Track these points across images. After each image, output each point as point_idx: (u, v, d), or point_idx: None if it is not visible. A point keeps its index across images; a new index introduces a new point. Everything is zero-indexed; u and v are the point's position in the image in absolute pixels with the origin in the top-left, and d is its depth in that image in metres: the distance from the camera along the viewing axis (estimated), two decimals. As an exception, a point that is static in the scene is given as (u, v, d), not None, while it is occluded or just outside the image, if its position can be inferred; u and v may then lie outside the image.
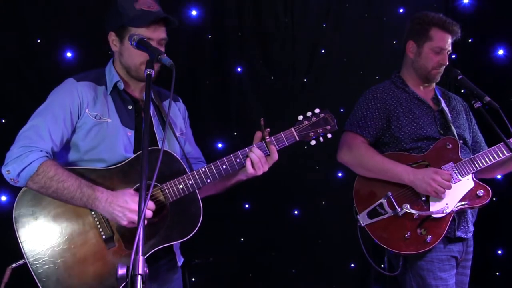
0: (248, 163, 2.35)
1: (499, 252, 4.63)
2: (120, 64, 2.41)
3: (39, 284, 2.18)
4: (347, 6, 4.70)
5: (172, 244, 2.42)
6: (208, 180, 2.32)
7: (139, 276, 1.56)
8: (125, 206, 2.15)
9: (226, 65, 4.44)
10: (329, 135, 2.46)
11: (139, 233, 1.59)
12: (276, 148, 2.38)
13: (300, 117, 2.45)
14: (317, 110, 2.46)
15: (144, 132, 1.81)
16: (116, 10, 2.34)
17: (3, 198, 3.61)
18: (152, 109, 2.44)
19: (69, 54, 3.86)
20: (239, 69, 4.46)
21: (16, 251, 2.25)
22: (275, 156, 2.38)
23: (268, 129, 2.38)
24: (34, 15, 3.78)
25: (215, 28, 4.39)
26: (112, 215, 2.18)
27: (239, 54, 4.45)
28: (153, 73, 1.97)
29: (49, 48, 3.83)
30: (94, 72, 2.44)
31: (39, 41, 3.82)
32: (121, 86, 2.39)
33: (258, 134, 2.40)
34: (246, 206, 4.46)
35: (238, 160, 2.35)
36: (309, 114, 2.45)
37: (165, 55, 2.06)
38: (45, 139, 2.22)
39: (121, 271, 1.61)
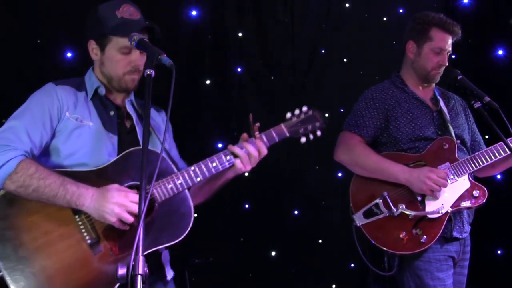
0: (237, 160, 2.28)
1: (498, 252, 4.64)
2: (101, 73, 2.34)
3: None
4: (347, 6, 4.70)
5: (161, 257, 2.33)
6: (198, 179, 2.23)
7: (139, 276, 1.55)
8: (113, 201, 2.01)
9: (226, 65, 4.44)
10: (318, 133, 2.40)
11: (139, 233, 1.59)
12: (266, 144, 2.32)
13: (288, 115, 2.40)
14: (304, 108, 2.41)
15: (144, 132, 1.79)
16: (97, 18, 2.27)
17: None
18: (135, 117, 2.37)
19: (69, 54, 3.85)
20: (239, 69, 4.46)
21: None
22: (263, 151, 2.31)
23: (257, 124, 2.33)
24: (34, 15, 3.77)
25: (215, 28, 4.39)
26: (99, 212, 2.03)
27: (239, 54, 4.45)
28: (153, 73, 1.93)
29: (49, 48, 3.82)
30: (73, 79, 2.35)
31: (39, 41, 3.81)
32: (102, 91, 2.32)
33: (245, 136, 2.35)
34: (246, 206, 4.46)
35: (228, 157, 2.28)
36: (297, 112, 2.41)
37: (165, 55, 2.02)
38: (23, 140, 2.11)
39: (121, 271, 1.60)
